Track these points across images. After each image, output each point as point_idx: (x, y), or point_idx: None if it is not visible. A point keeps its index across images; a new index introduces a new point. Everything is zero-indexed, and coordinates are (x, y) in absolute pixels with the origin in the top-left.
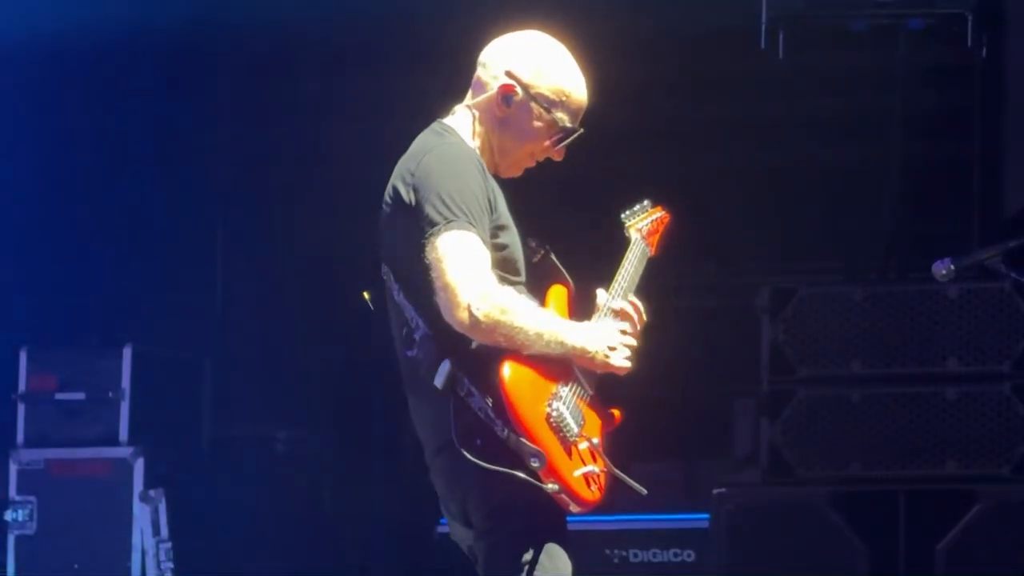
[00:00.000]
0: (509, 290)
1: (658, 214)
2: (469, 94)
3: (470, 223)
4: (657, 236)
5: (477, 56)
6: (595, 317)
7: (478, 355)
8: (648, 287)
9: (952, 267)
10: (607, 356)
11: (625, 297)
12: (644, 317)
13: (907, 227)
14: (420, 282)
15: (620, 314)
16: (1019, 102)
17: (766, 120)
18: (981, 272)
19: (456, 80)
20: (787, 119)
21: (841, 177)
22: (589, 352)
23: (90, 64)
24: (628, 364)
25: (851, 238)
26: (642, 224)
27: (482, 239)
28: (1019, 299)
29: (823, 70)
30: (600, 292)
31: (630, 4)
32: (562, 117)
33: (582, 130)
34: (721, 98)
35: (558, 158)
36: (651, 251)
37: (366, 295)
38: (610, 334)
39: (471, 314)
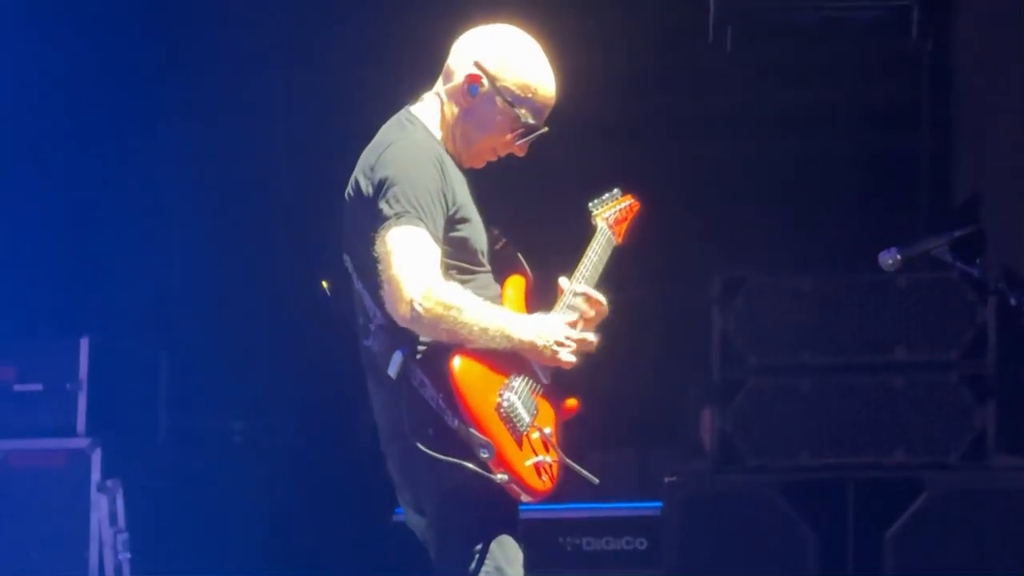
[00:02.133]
0: (455, 285)
1: (627, 202)
2: (439, 81)
3: (420, 219)
4: (625, 224)
5: (446, 49)
6: (558, 304)
7: (431, 346)
8: (604, 275)
9: (899, 257)
10: (555, 351)
11: (589, 285)
12: (606, 310)
13: (856, 217)
14: (375, 273)
15: (584, 302)
16: (966, 92)
17: (716, 113)
18: (929, 262)
19: (424, 74)
20: (736, 112)
21: (790, 168)
22: (537, 346)
23: (50, 58)
24: (575, 359)
25: (801, 228)
26: (609, 213)
27: (432, 235)
28: (967, 289)
29: (771, 63)
30: (562, 279)
31: (587, 2)
32: (525, 113)
33: (546, 129)
34: (670, 92)
35: (520, 153)
36: (617, 240)
37: (324, 284)
38: (557, 328)
39: (413, 308)
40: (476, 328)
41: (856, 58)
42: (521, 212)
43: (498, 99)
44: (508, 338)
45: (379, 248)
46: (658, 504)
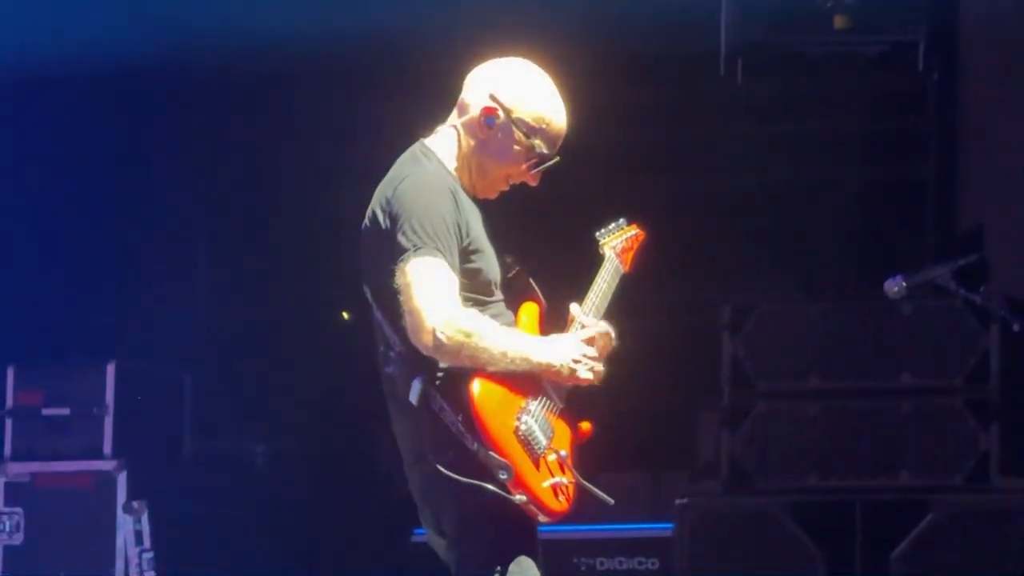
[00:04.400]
0: (474, 312)
1: (632, 232)
2: (454, 114)
3: (438, 249)
4: (631, 253)
5: (459, 81)
6: (569, 330)
7: (449, 372)
8: (618, 304)
9: (904, 284)
10: (572, 369)
11: (598, 312)
12: (613, 341)
13: (863, 246)
14: (394, 303)
15: (590, 334)
16: (971, 124)
17: (726, 144)
18: (934, 289)
19: (439, 105)
20: (747, 143)
21: (800, 198)
22: (554, 366)
23: (71, 87)
24: (592, 376)
25: (809, 257)
26: (616, 242)
27: (450, 265)
28: (970, 316)
29: (781, 95)
30: (573, 306)
31: (596, 33)
32: (540, 143)
33: (558, 158)
34: (682, 122)
35: (533, 183)
36: (625, 268)
37: (345, 314)
38: (574, 348)
39: (436, 337)
40: (496, 352)
41: (864, 91)
42: (533, 241)
43: (514, 130)
44: (527, 360)
45: (399, 280)
46: (670, 525)
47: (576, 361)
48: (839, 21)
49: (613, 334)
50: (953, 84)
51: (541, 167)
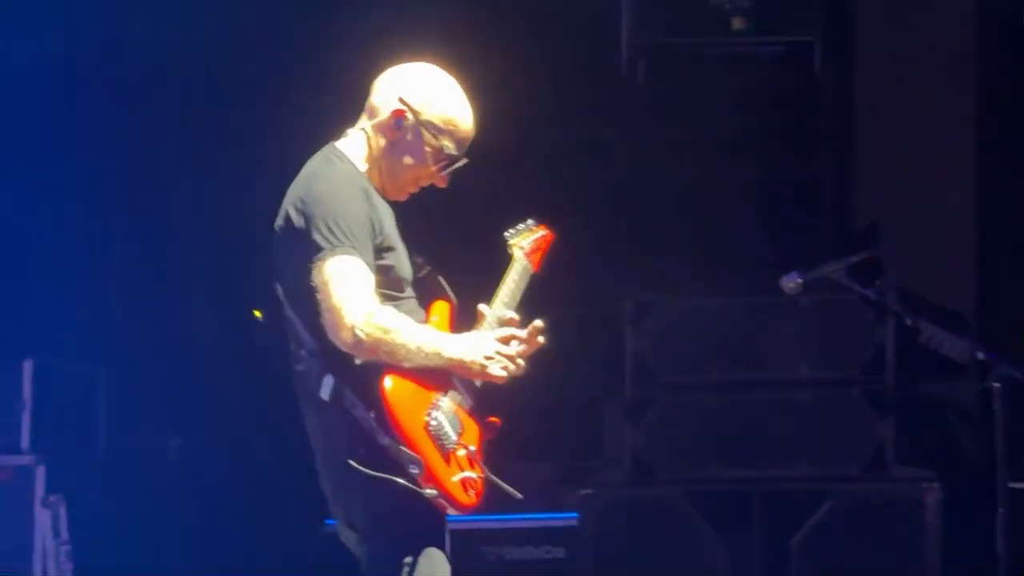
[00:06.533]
0: (390, 309)
1: (541, 232)
2: (363, 117)
3: (354, 248)
4: (540, 254)
5: (367, 84)
6: (478, 328)
7: (361, 369)
8: (524, 299)
9: (800, 280)
10: (484, 366)
11: (509, 309)
12: (537, 341)
13: (762, 241)
14: (308, 301)
15: (505, 324)
16: (865, 123)
17: (628, 143)
18: (830, 284)
19: (347, 108)
20: (647, 142)
21: (700, 195)
22: (466, 362)
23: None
24: (504, 373)
25: (709, 252)
26: (524, 242)
27: (366, 263)
28: (866, 309)
29: (680, 95)
30: (482, 306)
31: (501, 34)
32: (448, 145)
33: (466, 159)
34: (584, 123)
35: (442, 184)
36: (533, 268)
37: (257, 312)
38: (487, 345)
39: (355, 334)
40: (413, 347)
41: (761, 90)
42: (441, 240)
43: (423, 132)
44: (440, 355)
45: (316, 278)
46: (575, 515)
47: (488, 358)
48: (737, 22)
49: (542, 330)
50: (849, 84)
51: (450, 168)
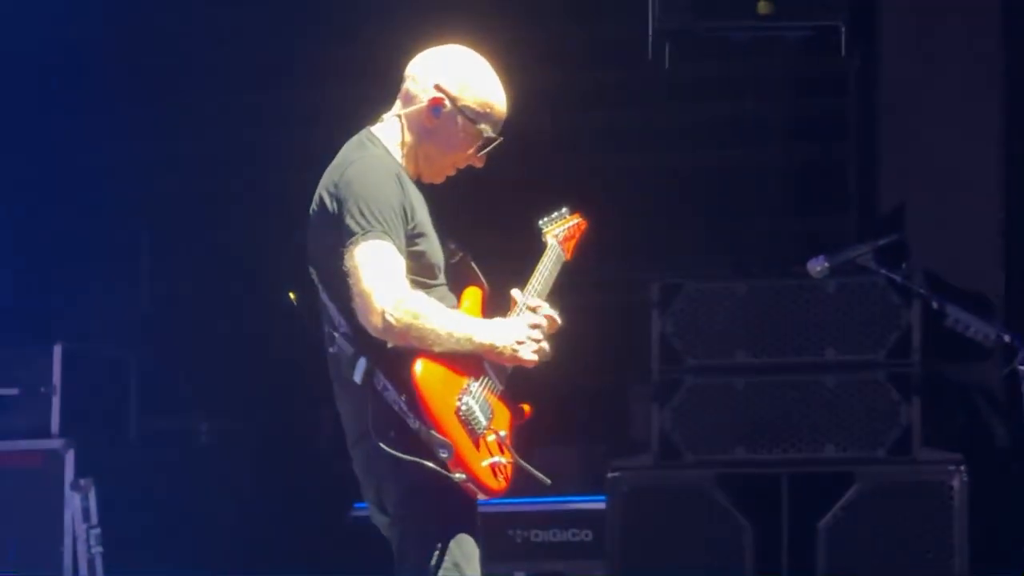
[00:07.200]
0: (420, 294)
1: (575, 220)
2: (398, 104)
3: (385, 233)
4: (573, 242)
5: (400, 69)
6: (511, 315)
7: (393, 352)
8: (552, 282)
9: (826, 264)
10: (515, 350)
11: (539, 298)
12: (558, 321)
13: (788, 225)
14: (341, 285)
15: (535, 311)
16: (891, 107)
17: (655, 126)
18: (856, 268)
19: (383, 92)
20: (674, 126)
21: (726, 179)
22: (497, 347)
23: (19, 70)
24: (535, 357)
25: (736, 236)
26: (558, 230)
27: (397, 248)
28: (892, 293)
29: (707, 79)
30: (515, 292)
31: (529, 19)
32: (485, 128)
33: (501, 138)
34: (611, 106)
35: (479, 165)
36: (566, 256)
37: (292, 295)
38: (518, 329)
39: (385, 319)
40: (443, 333)
41: (787, 74)
42: (474, 226)
43: (460, 118)
44: (471, 340)
45: (348, 263)
46: (602, 498)
47: (519, 342)
48: (763, 7)
49: (558, 317)
50: (875, 67)
51: (487, 149)
